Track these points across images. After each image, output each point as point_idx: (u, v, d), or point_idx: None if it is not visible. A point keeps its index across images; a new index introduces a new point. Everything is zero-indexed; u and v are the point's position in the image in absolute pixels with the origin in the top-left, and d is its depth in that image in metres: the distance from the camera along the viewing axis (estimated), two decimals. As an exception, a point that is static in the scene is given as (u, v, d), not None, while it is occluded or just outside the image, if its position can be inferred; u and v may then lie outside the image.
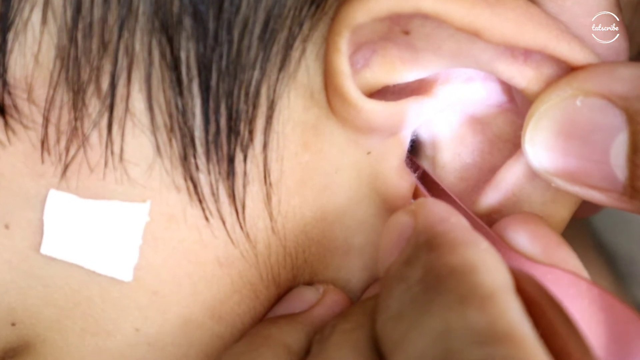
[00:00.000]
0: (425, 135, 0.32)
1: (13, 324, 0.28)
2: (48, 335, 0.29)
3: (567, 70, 0.28)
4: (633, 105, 0.26)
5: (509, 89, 0.30)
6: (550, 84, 0.28)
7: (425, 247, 0.26)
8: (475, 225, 0.28)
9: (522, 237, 0.29)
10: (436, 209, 0.27)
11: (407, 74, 0.29)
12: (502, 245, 0.29)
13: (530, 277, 0.26)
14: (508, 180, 0.30)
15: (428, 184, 0.31)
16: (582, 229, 0.47)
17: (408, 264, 0.26)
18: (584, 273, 0.29)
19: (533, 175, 0.30)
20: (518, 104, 0.30)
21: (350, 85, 0.28)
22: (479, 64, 0.28)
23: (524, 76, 0.28)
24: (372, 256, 0.31)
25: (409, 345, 0.23)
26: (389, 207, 0.31)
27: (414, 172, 0.31)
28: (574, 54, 0.27)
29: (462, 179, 0.31)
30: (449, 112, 0.31)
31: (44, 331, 0.29)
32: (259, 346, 0.28)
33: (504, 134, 0.31)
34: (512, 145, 0.31)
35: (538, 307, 0.25)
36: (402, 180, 0.30)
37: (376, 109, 0.28)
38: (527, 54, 0.28)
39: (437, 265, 0.25)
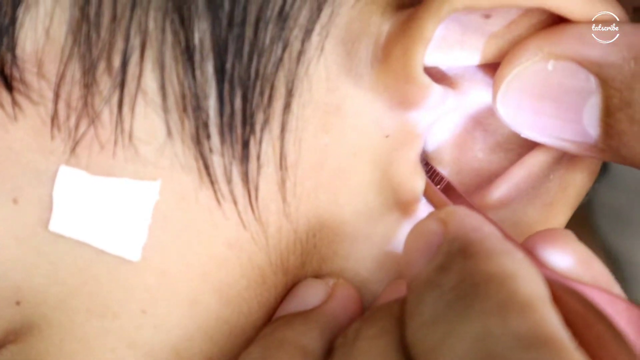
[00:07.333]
0: (429, 141, 0.32)
1: (18, 303, 0.28)
2: (53, 315, 0.28)
3: None
4: (604, 71, 0.27)
5: None
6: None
7: (459, 254, 0.25)
8: (505, 237, 0.28)
9: (553, 254, 0.28)
10: (468, 218, 0.27)
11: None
12: (534, 261, 0.28)
13: (573, 290, 0.25)
14: (523, 171, 0.30)
15: (447, 192, 0.31)
16: (585, 230, 0.47)
17: (441, 270, 0.25)
18: (617, 288, 0.28)
19: (549, 168, 0.30)
20: None
21: (420, 72, 0.28)
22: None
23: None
24: (380, 247, 0.31)
25: (447, 350, 0.23)
26: (397, 199, 0.30)
27: (434, 181, 0.31)
28: None
29: (475, 176, 0.32)
30: (452, 114, 0.31)
31: (50, 311, 0.28)
32: (276, 351, 0.28)
33: (507, 132, 0.31)
34: (517, 145, 0.31)
35: (583, 319, 0.25)
36: (414, 176, 0.30)
37: (437, 91, 0.28)
38: None
39: (473, 272, 0.24)
